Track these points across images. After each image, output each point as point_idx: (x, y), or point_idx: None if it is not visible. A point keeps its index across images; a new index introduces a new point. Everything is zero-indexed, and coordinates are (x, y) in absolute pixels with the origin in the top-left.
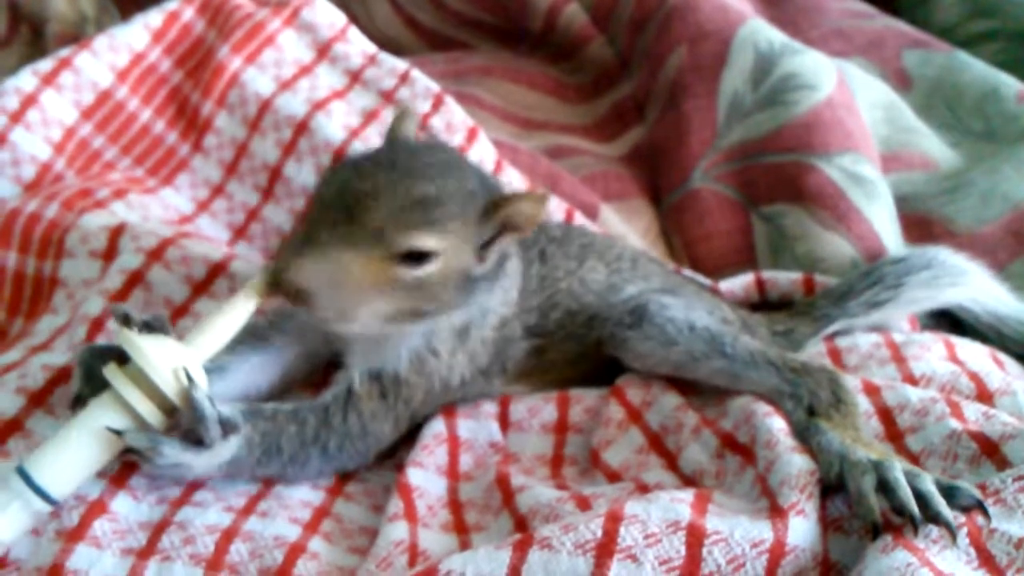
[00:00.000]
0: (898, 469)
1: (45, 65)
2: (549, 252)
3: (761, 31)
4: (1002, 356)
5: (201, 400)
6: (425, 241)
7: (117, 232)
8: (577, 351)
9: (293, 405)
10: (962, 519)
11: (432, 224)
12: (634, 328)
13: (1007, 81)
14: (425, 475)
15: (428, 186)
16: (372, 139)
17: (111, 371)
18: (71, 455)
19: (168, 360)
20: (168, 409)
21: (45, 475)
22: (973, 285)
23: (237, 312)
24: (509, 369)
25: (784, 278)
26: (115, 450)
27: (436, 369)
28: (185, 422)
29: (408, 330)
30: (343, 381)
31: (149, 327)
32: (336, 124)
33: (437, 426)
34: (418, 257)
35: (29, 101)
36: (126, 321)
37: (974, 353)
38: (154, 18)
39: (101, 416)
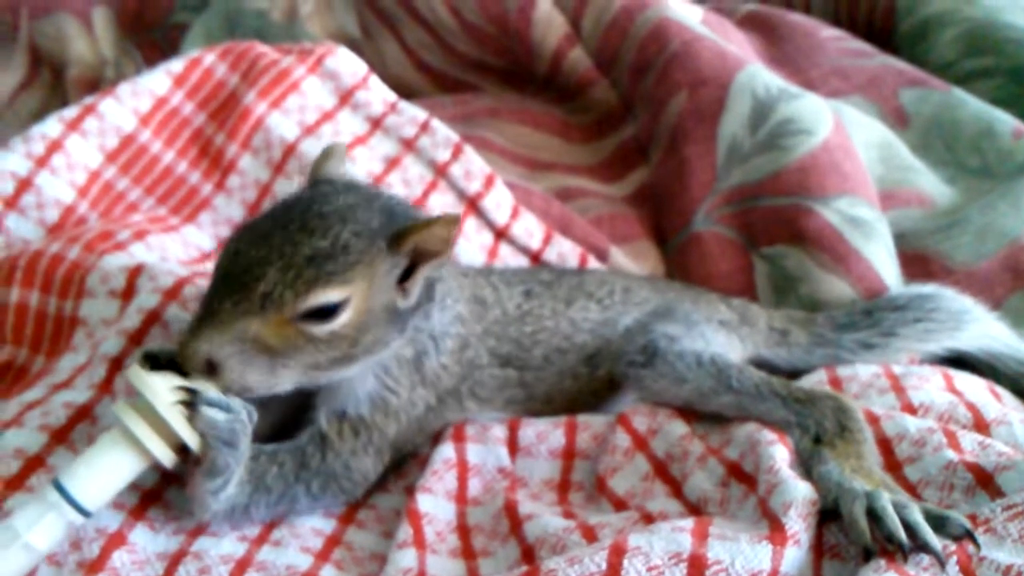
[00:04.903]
0: (886, 499)
1: (70, 112)
2: (536, 292)
3: (758, 76)
4: (999, 389)
5: (214, 395)
6: (325, 297)
7: (135, 272)
8: (577, 388)
9: (273, 447)
10: (953, 547)
11: (330, 278)
12: (647, 367)
13: (1003, 118)
14: (434, 500)
15: (321, 240)
16: (395, 186)
17: (121, 408)
18: (104, 468)
19: (174, 396)
20: (179, 446)
21: (79, 487)
22: (969, 331)
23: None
24: (481, 395)
25: None
26: (145, 463)
27: (400, 407)
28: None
29: (347, 374)
30: (314, 423)
31: (168, 362)
32: (360, 170)
33: (447, 451)
34: (325, 312)
35: (54, 146)
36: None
37: (972, 385)
38: (176, 65)
39: (130, 431)
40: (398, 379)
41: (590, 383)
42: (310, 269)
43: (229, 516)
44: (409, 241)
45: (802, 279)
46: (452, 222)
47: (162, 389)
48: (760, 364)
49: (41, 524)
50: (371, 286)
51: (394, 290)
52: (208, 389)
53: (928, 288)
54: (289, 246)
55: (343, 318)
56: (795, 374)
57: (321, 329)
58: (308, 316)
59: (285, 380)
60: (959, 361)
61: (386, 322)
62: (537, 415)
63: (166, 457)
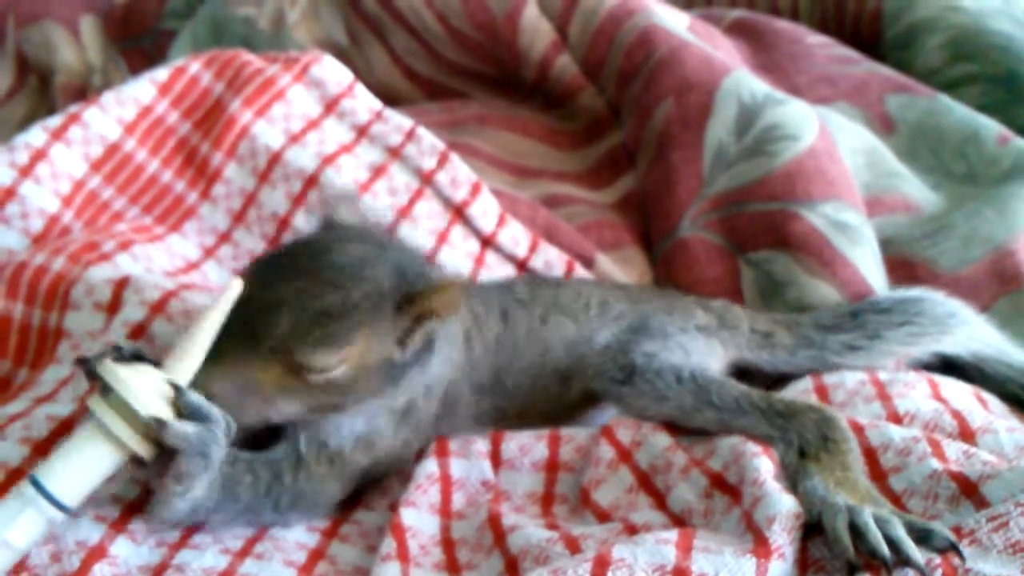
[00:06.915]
0: (868, 514)
1: (54, 121)
2: (511, 312)
3: (744, 82)
4: (986, 395)
5: (194, 399)
6: (328, 358)
7: (121, 285)
8: (549, 405)
9: (250, 455)
10: (937, 561)
11: (336, 339)
12: (626, 384)
13: (988, 124)
14: (418, 514)
15: (332, 296)
16: (380, 194)
17: (95, 402)
18: (80, 462)
19: (150, 387)
20: (154, 439)
21: (56, 482)
22: (955, 335)
23: (207, 328)
24: (454, 422)
25: None
26: (122, 456)
27: (385, 447)
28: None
29: (337, 417)
30: (292, 440)
31: (135, 357)
32: (345, 179)
33: (430, 466)
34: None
35: (39, 156)
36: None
37: (958, 392)
38: (160, 73)
39: (105, 427)
40: (386, 424)
41: (563, 399)
42: (319, 327)
43: (190, 517)
44: (416, 308)
45: (789, 284)
46: (457, 289)
47: (134, 383)
48: (744, 367)
49: (19, 521)
50: (372, 344)
51: (393, 345)
52: (190, 392)
53: (915, 291)
54: (302, 298)
55: (340, 370)
56: (781, 378)
57: (317, 377)
58: (308, 368)
59: (274, 417)
60: (947, 364)
61: (382, 374)
62: (510, 430)
63: (143, 449)
